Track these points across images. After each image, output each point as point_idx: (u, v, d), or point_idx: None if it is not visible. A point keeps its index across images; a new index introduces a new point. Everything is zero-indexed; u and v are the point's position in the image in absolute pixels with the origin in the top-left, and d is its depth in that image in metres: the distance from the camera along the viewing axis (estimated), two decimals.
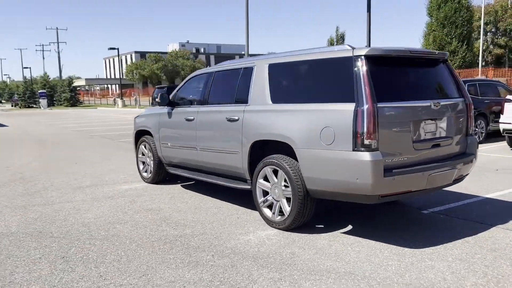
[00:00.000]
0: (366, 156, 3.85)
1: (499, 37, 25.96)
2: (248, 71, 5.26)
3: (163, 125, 6.66)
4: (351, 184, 3.98)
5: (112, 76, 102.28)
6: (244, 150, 5.05)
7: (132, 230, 4.81)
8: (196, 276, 3.61)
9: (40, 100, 49.99)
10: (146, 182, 7.29)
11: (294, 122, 4.42)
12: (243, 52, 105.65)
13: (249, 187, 5.20)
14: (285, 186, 4.62)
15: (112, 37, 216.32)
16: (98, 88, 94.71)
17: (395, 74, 4.29)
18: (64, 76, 55.17)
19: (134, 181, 7.44)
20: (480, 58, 24.01)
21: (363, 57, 4.01)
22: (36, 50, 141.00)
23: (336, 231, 4.65)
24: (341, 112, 4.00)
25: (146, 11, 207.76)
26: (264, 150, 4.99)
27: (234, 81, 5.51)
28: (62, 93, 51.35)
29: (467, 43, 19.75)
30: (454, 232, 4.56)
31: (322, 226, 4.82)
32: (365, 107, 3.85)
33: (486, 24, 24.16)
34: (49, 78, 56.79)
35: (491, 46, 19.36)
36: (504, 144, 11.25)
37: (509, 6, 26.33)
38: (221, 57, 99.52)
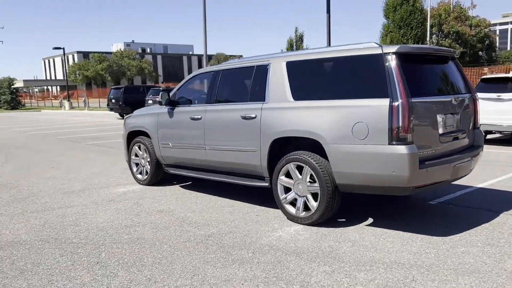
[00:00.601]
0: (403, 149, 4.00)
1: (444, 39, 27.51)
2: (263, 69, 5.27)
3: (162, 125, 6.51)
4: (386, 177, 4.12)
5: (53, 77, 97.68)
6: (263, 148, 5.06)
7: (155, 232, 4.69)
8: (249, 273, 3.60)
9: None
10: (141, 184, 7.09)
11: (322, 118, 4.50)
12: (191, 52, 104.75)
13: (266, 184, 5.22)
14: (310, 181, 4.69)
15: (52, 36, 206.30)
16: (37, 90, 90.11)
17: (420, 71, 4.49)
18: None
19: (127, 184, 7.22)
20: None
21: (394, 54, 4.16)
22: None
23: (360, 224, 4.78)
24: (375, 107, 4.13)
25: (87, 10, 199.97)
26: (282, 147, 5.04)
27: (246, 79, 5.51)
28: (1, 95, 48.29)
29: (422, 44, 20.87)
30: (469, 220, 4.84)
31: (344, 220, 4.93)
32: (400, 102, 4.01)
33: (431, 26, 25.51)
34: None
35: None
36: None
37: (452, 9, 27.99)
38: (168, 57, 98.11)
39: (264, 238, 4.43)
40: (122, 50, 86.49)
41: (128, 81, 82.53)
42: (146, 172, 7.04)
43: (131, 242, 4.41)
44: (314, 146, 4.67)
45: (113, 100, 24.27)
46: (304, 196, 4.78)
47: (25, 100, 57.91)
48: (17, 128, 20.91)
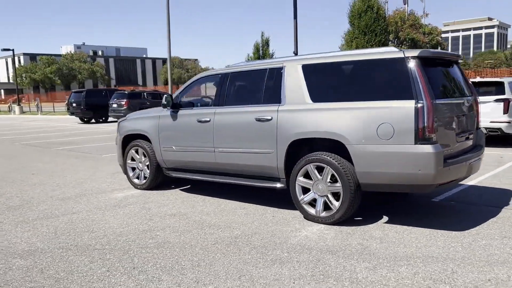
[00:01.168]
0: (429, 148, 4.20)
1: (400, 45, 28.69)
2: (276, 72, 5.35)
3: (165, 128, 6.42)
4: (412, 175, 4.30)
5: None
6: (280, 149, 5.13)
7: (178, 236, 4.64)
8: (294, 272, 3.65)
9: None
10: (138, 188, 6.95)
11: (345, 119, 4.63)
12: (144, 55, 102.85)
13: (282, 185, 5.29)
14: (331, 181, 4.81)
15: None
16: None
17: (438, 74, 4.72)
18: None
19: (123, 188, 7.04)
20: None
21: (416, 58, 4.37)
22: None
23: (378, 222, 4.94)
24: (401, 109, 4.30)
25: (34, 10, 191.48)
26: (296, 149, 5.13)
27: (258, 82, 5.55)
28: None
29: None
30: (476, 215, 5.12)
31: (361, 218, 5.08)
32: (425, 103, 4.21)
33: (389, 33, 26.52)
34: None
35: None
36: None
37: (407, 18, 29.29)
38: (121, 60, 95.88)
39: (292, 238, 4.49)
40: (72, 52, 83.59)
41: (79, 84, 79.82)
42: (145, 176, 6.90)
43: (159, 246, 4.34)
44: (333, 147, 4.80)
45: (74, 104, 23.44)
46: (324, 196, 4.89)
47: None
48: None
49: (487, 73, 31.62)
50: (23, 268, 3.89)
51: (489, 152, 9.92)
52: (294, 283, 3.45)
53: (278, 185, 5.31)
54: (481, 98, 10.50)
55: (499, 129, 10.53)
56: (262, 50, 23.73)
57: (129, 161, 7.09)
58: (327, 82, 4.99)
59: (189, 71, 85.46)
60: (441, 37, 31.68)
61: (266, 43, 23.65)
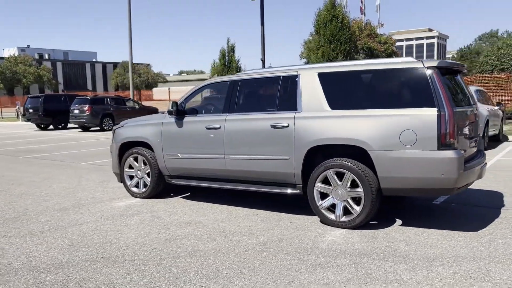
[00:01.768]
0: (452, 154, 4.44)
1: (358, 54, 29.68)
2: (291, 80, 5.44)
3: (169, 135, 6.32)
4: (435, 179, 4.52)
5: None
6: (298, 156, 5.21)
7: (205, 244, 4.60)
8: (339, 276, 3.73)
9: None
10: (138, 197, 6.78)
11: (367, 126, 4.78)
12: (94, 60, 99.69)
13: (298, 191, 5.37)
14: (351, 187, 4.95)
15: None
16: None
17: (451, 83, 4.99)
18: None
19: (121, 197, 6.86)
20: None
21: (436, 68, 4.61)
22: None
23: (394, 225, 5.13)
24: (424, 116, 4.52)
25: None
26: (313, 155, 5.23)
27: (271, 89, 5.63)
28: None
29: (350, 58, 22.39)
30: (481, 216, 5.43)
31: (376, 222, 5.25)
32: (447, 111, 4.45)
33: (353, 42, 27.38)
34: None
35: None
36: None
37: (364, 27, 30.38)
38: (69, 64, 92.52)
39: (319, 243, 4.58)
40: (16, 55, 79.58)
41: (23, 89, 76.16)
42: (145, 184, 6.75)
43: (191, 255, 4.28)
44: (351, 153, 4.95)
45: (31, 110, 22.35)
46: (344, 201, 5.01)
47: None
48: None
49: None
50: (58, 282, 3.72)
51: None
52: (345, 287, 3.53)
53: (289, 190, 5.40)
54: None
55: None
56: (228, 56, 23.77)
57: (126, 169, 6.91)
58: (346, 90, 5.13)
59: (142, 76, 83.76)
60: (395, 47, 33.09)
61: (231, 49, 23.74)
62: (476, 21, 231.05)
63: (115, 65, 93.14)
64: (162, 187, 6.74)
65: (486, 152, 6.30)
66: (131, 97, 28.13)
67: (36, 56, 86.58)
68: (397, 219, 5.36)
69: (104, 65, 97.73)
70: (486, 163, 5.34)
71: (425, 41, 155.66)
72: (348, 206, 4.99)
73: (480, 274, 3.72)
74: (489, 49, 26.90)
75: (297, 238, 4.75)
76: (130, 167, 6.88)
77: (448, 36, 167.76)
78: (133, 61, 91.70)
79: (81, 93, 31.05)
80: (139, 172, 6.80)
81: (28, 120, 23.15)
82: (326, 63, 5.51)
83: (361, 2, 31.41)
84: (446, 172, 4.47)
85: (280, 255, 4.25)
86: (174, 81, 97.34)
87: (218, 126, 5.84)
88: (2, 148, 14.95)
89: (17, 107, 34.05)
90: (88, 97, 21.92)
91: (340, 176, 5.01)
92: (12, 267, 4.09)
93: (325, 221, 5.17)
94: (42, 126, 23.14)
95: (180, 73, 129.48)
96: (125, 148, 6.96)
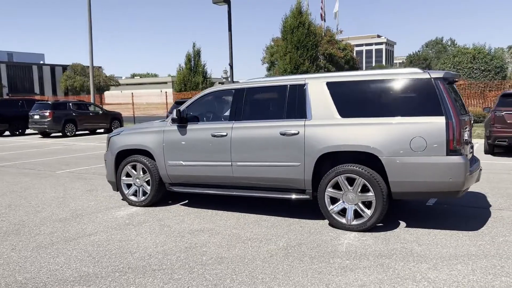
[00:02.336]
0: (459, 159, 4.78)
1: (319, 60, 30.45)
2: (298, 89, 5.61)
3: (171, 142, 6.32)
4: (443, 183, 4.84)
5: None
6: (308, 162, 5.39)
7: (228, 251, 4.67)
8: (371, 277, 3.93)
9: None
10: (137, 205, 6.71)
11: (378, 133, 5.04)
12: (42, 62, 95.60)
13: (307, 197, 5.55)
14: (361, 191, 5.18)
15: None
16: None
17: (452, 93, 5.33)
18: None
19: (118, 206, 6.76)
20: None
21: (441, 79, 4.94)
22: None
23: (400, 227, 5.41)
24: (433, 124, 4.83)
25: None
26: (322, 161, 5.43)
27: (279, 98, 5.77)
28: None
29: (316, 64, 22.95)
30: (475, 216, 5.83)
31: (382, 224, 5.52)
32: (454, 119, 4.78)
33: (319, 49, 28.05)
34: None
35: (314, 67, 22.92)
36: None
37: (324, 34, 31.22)
38: (14, 66, 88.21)
39: (338, 246, 4.77)
40: None
41: None
42: (144, 192, 6.70)
43: (219, 262, 4.35)
44: (361, 159, 5.19)
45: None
46: (354, 205, 5.24)
47: None
48: None
49: None
50: None
51: None
52: (380, 286, 3.73)
53: (293, 196, 5.57)
54: None
55: None
56: (194, 61, 23.65)
57: (123, 177, 6.82)
58: (355, 99, 5.37)
59: (93, 79, 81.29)
60: (353, 53, 34.22)
61: (197, 54, 23.66)
62: (422, 29, 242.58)
63: (64, 67, 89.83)
64: (162, 195, 6.71)
65: None
66: (91, 100, 27.31)
67: None
68: (400, 221, 5.64)
69: (53, 67, 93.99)
70: (481, 168, 5.74)
71: (374, 47, 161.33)
72: (359, 210, 5.22)
73: (496, 270, 4.03)
74: (445, 57, 28.39)
75: (314, 242, 4.92)
76: (128, 175, 6.80)
77: (396, 42, 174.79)
78: (83, 64, 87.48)
79: (29, 97, 29.79)
80: (137, 180, 6.73)
81: None
82: (335, 73, 5.73)
83: (321, 9, 32.27)
84: (454, 176, 4.80)
85: (306, 259, 4.40)
86: (127, 84, 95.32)
87: (224, 133, 5.91)
88: None
89: None
90: (49, 102, 21.08)
91: (350, 181, 5.24)
92: (38, 281, 3.99)
93: (335, 224, 5.37)
94: None
95: (133, 76, 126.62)
96: (121, 156, 6.87)
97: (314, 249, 4.70)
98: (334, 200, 5.38)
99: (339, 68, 31.81)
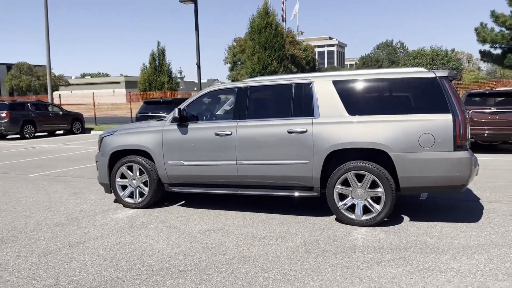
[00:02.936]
0: (466, 154, 5.00)
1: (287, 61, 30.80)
2: (304, 87, 5.67)
3: (171, 142, 6.19)
4: (450, 177, 5.05)
5: None
6: (317, 160, 5.46)
7: (248, 250, 4.65)
8: (398, 270, 4.04)
9: None
10: (133, 207, 6.52)
11: (387, 130, 5.18)
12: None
13: (316, 194, 5.61)
14: (371, 187, 5.31)
15: None
16: None
17: (454, 91, 5.57)
18: None
19: (114, 209, 6.55)
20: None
21: (446, 78, 5.15)
22: None
23: (405, 221, 5.58)
24: (441, 121, 5.02)
25: None
26: (330, 159, 5.51)
27: (284, 96, 5.80)
28: None
29: (284, 65, 23.12)
30: (467, 209, 6.12)
31: (387, 219, 5.67)
32: (460, 116, 5.00)
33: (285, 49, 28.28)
34: None
35: (282, 68, 23.18)
36: None
37: (286, 35, 31.59)
38: None
39: (354, 241, 4.86)
40: None
41: None
42: (141, 194, 6.53)
43: (244, 261, 4.32)
44: (369, 156, 5.32)
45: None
46: (364, 201, 5.36)
47: None
48: None
49: None
50: None
51: None
52: (411, 278, 3.85)
53: (312, 193, 5.62)
54: None
55: None
56: (158, 59, 23.21)
57: (118, 179, 6.61)
58: (362, 97, 5.49)
59: (41, 79, 77.85)
60: (314, 54, 34.83)
61: (162, 53, 23.23)
62: (373, 31, 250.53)
63: (8, 66, 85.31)
64: (160, 196, 6.56)
65: None
66: (49, 100, 26.15)
67: None
68: (403, 216, 5.82)
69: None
70: (479, 164, 6.02)
71: (326, 49, 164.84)
72: (368, 205, 5.34)
73: (511, 258, 4.26)
74: (405, 58, 29.46)
75: (329, 238, 4.98)
76: (123, 176, 6.60)
77: (347, 44, 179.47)
78: (30, 63, 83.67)
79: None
80: (133, 181, 6.54)
81: None
82: (341, 72, 5.83)
83: (282, 10, 32.60)
84: (460, 171, 5.02)
85: (329, 255, 4.46)
86: (77, 84, 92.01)
87: (229, 132, 5.87)
88: None
89: None
90: (5, 102, 19.99)
91: (359, 177, 5.35)
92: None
93: (344, 220, 5.46)
94: None
95: (83, 75, 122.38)
96: (116, 157, 6.65)
97: (331, 244, 4.76)
98: (342, 197, 5.48)
99: (301, 69, 32.33)
